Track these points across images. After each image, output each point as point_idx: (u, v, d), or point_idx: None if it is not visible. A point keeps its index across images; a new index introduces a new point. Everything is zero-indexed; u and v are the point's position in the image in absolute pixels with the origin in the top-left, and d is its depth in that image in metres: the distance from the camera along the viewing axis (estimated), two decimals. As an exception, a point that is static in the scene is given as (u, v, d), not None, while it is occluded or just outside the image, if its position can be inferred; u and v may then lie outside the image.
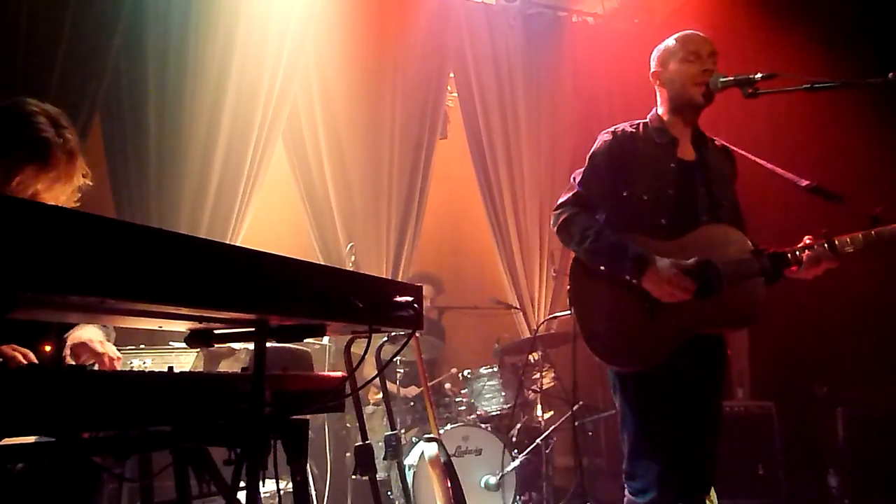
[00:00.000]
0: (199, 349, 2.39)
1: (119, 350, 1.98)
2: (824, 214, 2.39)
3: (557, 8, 5.90)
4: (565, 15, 5.94)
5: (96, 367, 1.88)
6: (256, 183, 4.72)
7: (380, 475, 3.87)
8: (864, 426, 4.32)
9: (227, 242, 3.51)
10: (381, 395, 4.46)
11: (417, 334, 3.32)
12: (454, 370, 4.93)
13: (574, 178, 2.55)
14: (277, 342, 1.51)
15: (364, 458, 2.63)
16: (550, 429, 4.26)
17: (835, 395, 4.50)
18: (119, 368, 1.94)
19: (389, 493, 4.12)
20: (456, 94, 5.71)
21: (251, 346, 1.46)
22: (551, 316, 5.17)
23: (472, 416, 4.41)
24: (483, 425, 4.25)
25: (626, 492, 2.38)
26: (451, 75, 5.64)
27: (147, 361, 2.22)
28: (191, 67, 4.58)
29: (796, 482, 4.38)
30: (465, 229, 6.25)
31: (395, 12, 5.34)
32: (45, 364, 1.81)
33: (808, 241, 2.33)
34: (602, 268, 2.38)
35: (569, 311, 2.48)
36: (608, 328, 2.39)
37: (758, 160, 2.50)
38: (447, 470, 3.24)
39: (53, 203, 1.93)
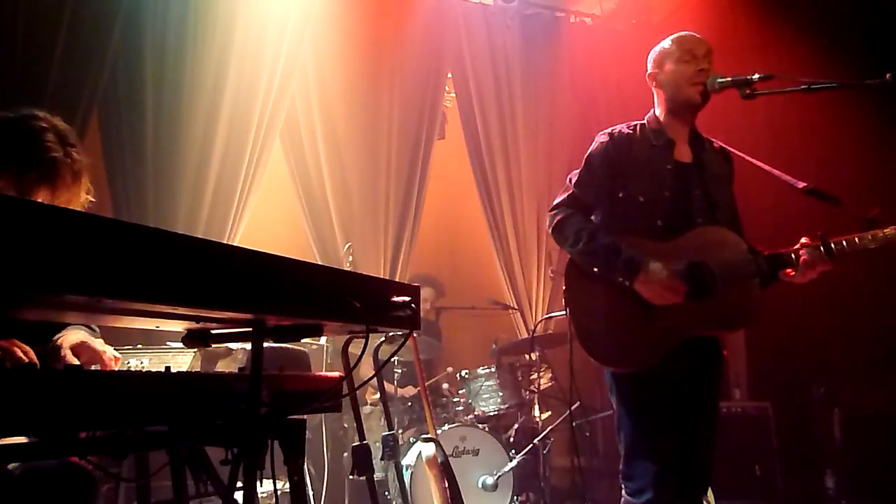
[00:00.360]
0: (196, 349, 2.38)
1: (115, 350, 1.98)
2: (821, 216, 2.39)
3: (555, 9, 5.91)
4: (563, 16, 5.95)
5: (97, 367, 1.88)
6: (254, 183, 4.71)
7: (377, 475, 3.86)
8: (861, 427, 4.33)
9: (225, 242, 3.50)
10: (378, 396, 4.46)
11: (415, 334, 3.33)
12: (451, 369, 4.93)
13: (570, 179, 2.55)
14: (274, 342, 1.51)
15: (361, 459, 2.63)
16: (548, 429, 4.27)
17: (832, 396, 4.51)
18: (119, 368, 1.93)
19: (387, 493, 4.12)
20: (454, 95, 5.72)
21: (248, 346, 1.46)
22: (547, 316, 5.18)
23: (470, 417, 4.42)
24: (480, 426, 4.25)
25: (623, 492, 2.38)
26: (449, 76, 5.65)
27: (144, 361, 2.21)
28: (188, 67, 4.57)
29: (793, 483, 4.39)
30: (462, 229, 6.25)
31: (393, 13, 5.34)
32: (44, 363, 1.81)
33: (804, 243, 2.33)
34: (595, 269, 2.39)
35: (564, 311, 2.49)
36: (603, 329, 2.40)
37: (755, 162, 2.50)
38: (444, 470, 3.25)
39: None
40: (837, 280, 2.42)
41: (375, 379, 3.84)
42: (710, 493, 2.41)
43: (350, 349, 2.70)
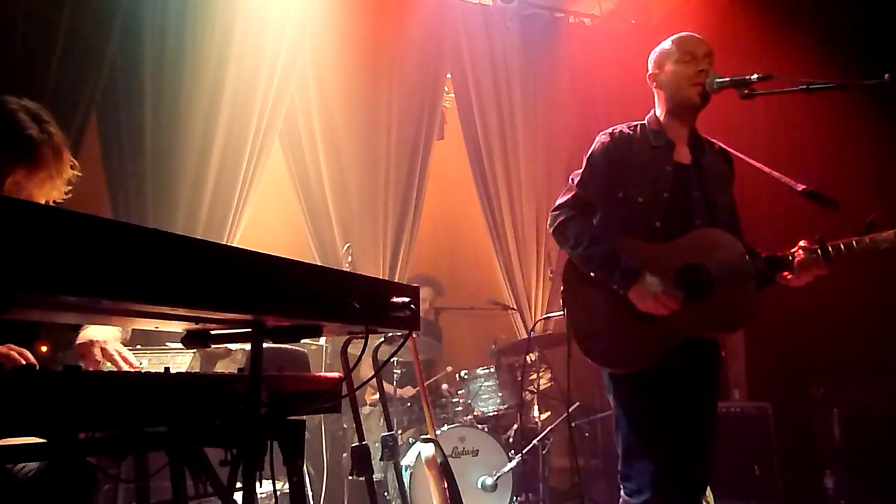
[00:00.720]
0: (195, 350, 2.38)
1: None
2: (822, 217, 2.39)
3: (554, 9, 5.91)
4: (562, 16, 5.95)
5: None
6: (253, 183, 4.71)
7: (376, 476, 3.87)
8: (861, 427, 4.33)
9: (224, 243, 3.50)
10: (377, 396, 4.46)
11: (414, 335, 3.33)
12: (450, 369, 4.93)
13: (572, 179, 2.55)
14: (274, 343, 1.51)
15: (361, 459, 2.64)
16: (547, 430, 4.27)
17: (831, 396, 4.50)
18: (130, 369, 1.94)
19: (386, 493, 4.12)
20: (453, 95, 5.72)
21: (248, 346, 1.46)
22: (545, 316, 5.18)
23: (469, 417, 4.42)
24: (480, 426, 4.26)
25: (622, 492, 2.39)
26: (448, 76, 5.64)
27: (143, 362, 2.21)
28: (188, 67, 4.57)
29: (792, 483, 4.38)
30: (461, 230, 6.25)
31: (393, 13, 5.34)
32: (41, 364, 1.81)
33: (802, 246, 2.34)
34: (592, 274, 2.40)
35: (562, 312, 2.49)
36: (601, 330, 2.40)
37: (755, 163, 2.50)
38: (444, 471, 3.25)
39: (47, 200, 1.92)
40: (836, 280, 2.42)
41: (375, 379, 3.84)
42: (709, 494, 2.41)
43: (349, 350, 2.70)
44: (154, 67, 4.49)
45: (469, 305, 5.34)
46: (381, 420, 3.93)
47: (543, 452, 4.31)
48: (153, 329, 1.48)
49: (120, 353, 1.92)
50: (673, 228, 2.41)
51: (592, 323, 2.41)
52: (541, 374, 4.64)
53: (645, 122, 2.57)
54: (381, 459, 3.27)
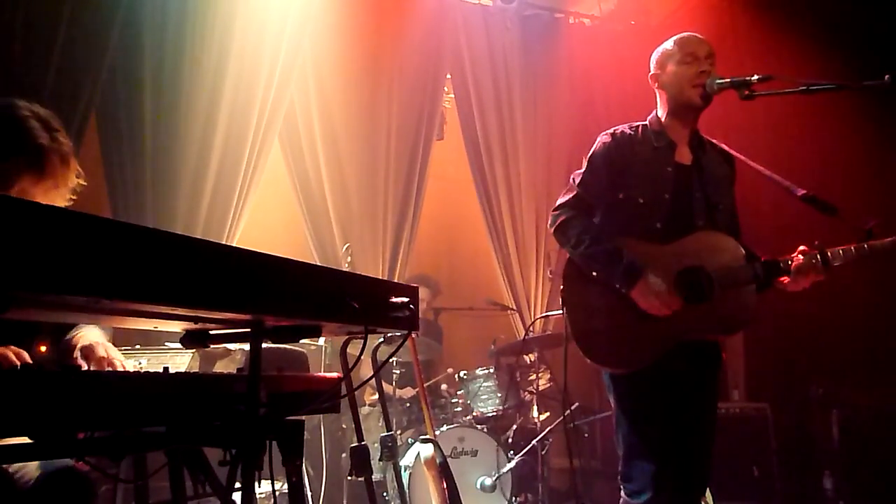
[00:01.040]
0: (194, 350, 2.38)
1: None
2: (822, 219, 2.39)
3: (554, 10, 5.91)
4: (562, 17, 5.95)
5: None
6: (253, 183, 4.71)
7: (375, 476, 3.87)
8: (860, 428, 4.33)
9: (223, 243, 3.50)
10: (377, 396, 4.46)
11: (413, 335, 3.32)
12: (450, 370, 4.93)
13: (573, 179, 2.55)
14: (273, 343, 1.51)
15: (360, 459, 2.63)
16: (546, 430, 4.26)
17: (830, 397, 4.50)
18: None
19: (385, 494, 4.12)
20: (452, 96, 5.72)
21: (247, 346, 1.46)
22: (543, 315, 5.18)
23: (468, 418, 4.41)
24: (479, 426, 4.25)
25: (622, 493, 2.39)
26: (448, 76, 5.64)
27: (142, 362, 2.20)
28: (187, 67, 4.57)
29: (791, 484, 4.38)
30: (461, 230, 6.25)
31: (393, 13, 5.34)
32: (39, 364, 1.81)
33: (801, 251, 2.34)
34: (594, 273, 2.40)
35: (561, 311, 2.49)
36: (600, 330, 2.40)
37: (755, 165, 2.50)
38: (443, 471, 3.24)
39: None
40: (836, 281, 2.42)
41: (374, 380, 3.83)
42: (708, 494, 2.41)
43: (348, 350, 2.70)
44: (154, 67, 4.49)
45: (468, 306, 5.34)
46: (381, 420, 3.93)
47: (542, 453, 4.31)
48: (152, 329, 1.47)
49: (107, 359, 1.90)
50: (673, 229, 2.41)
51: (592, 322, 2.41)
52: (540, 375, 4.63)
53: (646, 122, 2.57)
54: (380, 460, 3.27)
